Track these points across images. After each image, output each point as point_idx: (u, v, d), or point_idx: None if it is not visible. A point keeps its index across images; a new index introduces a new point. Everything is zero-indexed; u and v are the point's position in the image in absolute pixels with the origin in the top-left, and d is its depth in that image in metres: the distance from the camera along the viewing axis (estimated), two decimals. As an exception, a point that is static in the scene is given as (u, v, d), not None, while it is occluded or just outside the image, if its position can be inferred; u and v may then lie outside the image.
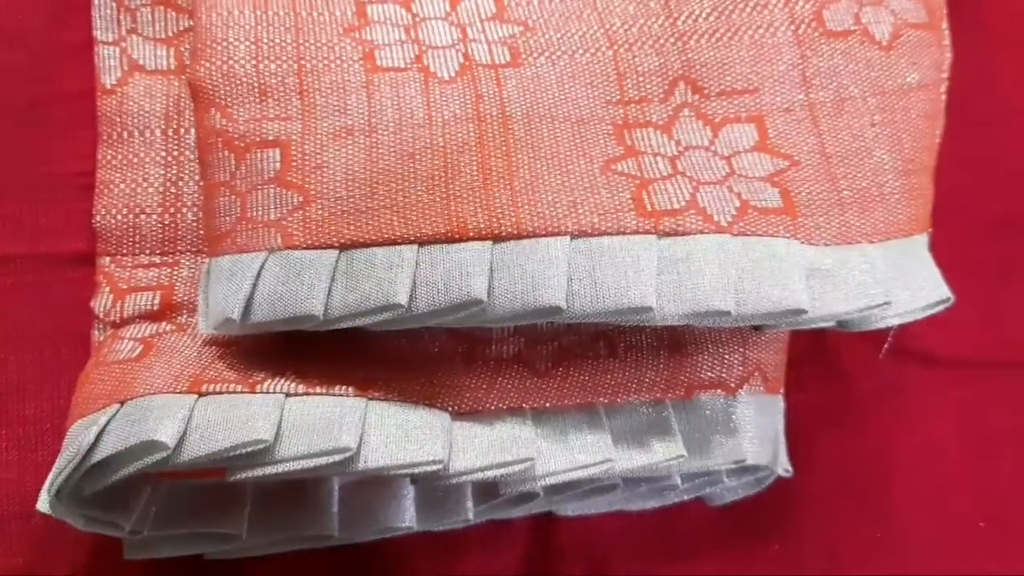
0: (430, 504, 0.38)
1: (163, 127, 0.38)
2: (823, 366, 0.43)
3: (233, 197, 0.34)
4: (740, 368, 0.38)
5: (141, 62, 0.39)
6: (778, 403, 0.39)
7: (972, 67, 0.41)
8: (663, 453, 0.36)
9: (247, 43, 0.35)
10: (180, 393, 0.33)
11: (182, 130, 0.38)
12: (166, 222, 0.38)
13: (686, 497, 0.40)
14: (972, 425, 0.44)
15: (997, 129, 0.45)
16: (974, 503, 0.44)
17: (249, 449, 0.32)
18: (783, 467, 0.39)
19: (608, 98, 0.36)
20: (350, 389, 0.34)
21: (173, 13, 0.39)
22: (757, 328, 0.36)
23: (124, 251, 0.38)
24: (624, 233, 0.33)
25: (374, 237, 0.33)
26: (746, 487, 0.40)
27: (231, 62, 0.35)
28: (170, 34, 0.39)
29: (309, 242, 0.33)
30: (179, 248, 0.38)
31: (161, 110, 0.38)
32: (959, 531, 0.43)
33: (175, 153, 0.38)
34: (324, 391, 0.34)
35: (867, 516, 0.43)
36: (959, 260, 0.38)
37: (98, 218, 0.38)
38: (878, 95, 0.37)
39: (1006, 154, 0.45)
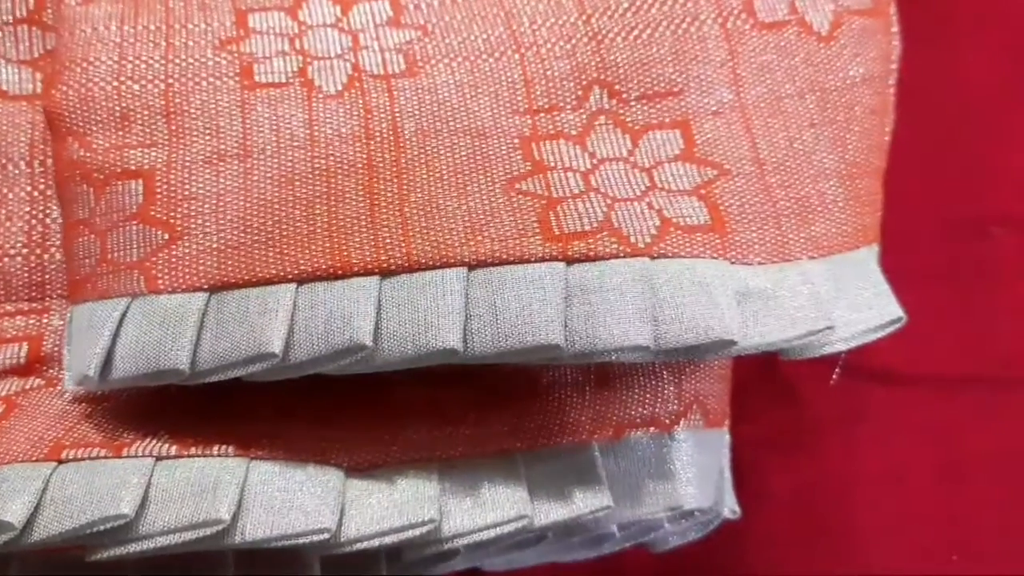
0: (339, 565, 0.34)
1: (28, 158, 0.34)
2: (773, 392, 0.40)
3: (93, 237, 0.30)
4: (676, 402, 0.34)
5: (4, 87, 0.35)
6: (722, 438, 0.36)
7: (929, 56, 0.37)
8: (587, 504, 0.32)
9: (110, 62, 0.32)
10: (37, 461, 0.30)
11: (49, 161, 0.34)
12: (32, 264, 0.34)
13: (626, 545, 0.36)
14: (941, 449, 0.41)
15: (955, 123, 0.42)
16: (945, 535, 0.40)
17: (109, 525, 0.28)
18: (729, 509, 0.35)
19: (514, 108, 0.32)
20: (230, 448, 0.30)
21: (39, 31, 0.35)
22: (692, 356, 0.32)
23: (-13, 299, 0.34)
24: (528, 261, 0.29)
25: (247, 277, 0.29)
26: (691, 531, 0.36)
27: (90, 84, 0.31)
28: (36, 55, 0.35)
29: (175, 285, 0.29)
30: (48, 292, 0.34)
31: (26, 140, 0.35)
32: (930, 566, 0.40)
33: (42, 187, 0.34)
34: (200, 452, 0.30)
35: (828, 554, 0.40)
36: (918, 267, 0.35)
37: (-44, 263, 0.34)
38: (817, 92, 0.33)
39: (965, 150, 0.42)
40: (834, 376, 0.36)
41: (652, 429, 0.34)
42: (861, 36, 0.34)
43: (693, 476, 0.34)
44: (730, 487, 0.36)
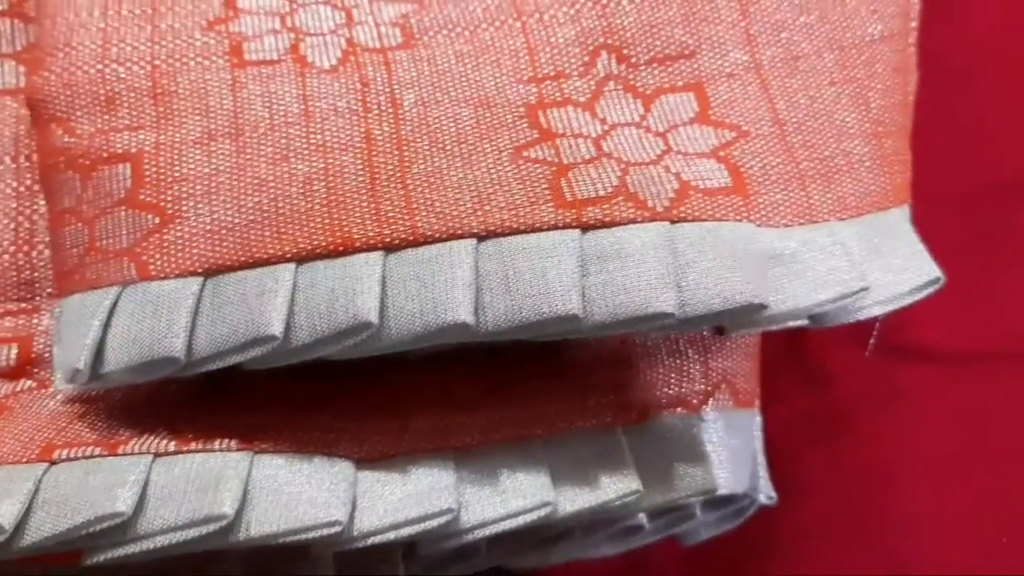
0: (351, 564, 0.32)
1: (13, 153, 0.33)
2: (803, 371, 0.38)
3: (80, 225, 0.29)
4: (702, 381, 0.32)
5: (-13, 81, 0.34)
6: (753, 419, 0.34)
7: (952, 15, 0.35)
8: (614, 490, 0.30)
9: (93, 46, 0.31)
10: (28, 463, 0.28)
11: (35, 156, 0.33)
12: (20, 262, 0.32)
13: (656, 538, 0.34)
14: (981, 428, 0.38)
15: (981, 83, 0.40)
16: (993, 517, 0.38)
17: (106, 524, 0.27)
18: (766, 494, 0.33)
19: (518, 76, 0.31)
20: (233, 442, 0.29)
21: (22, 24, 0.34)
22: (719, 331, 0.30)
23: (-26, 300, 0.32)
24: (541, 229, 0.28)
25: (243, 258, 0.28)
26: (724, 520, 0.34)
27: (73, 68, 0.30)
28: (19, 48, 0.34)
29: (168, 270, 0.28)
30: (37, 291, 0.32)
31: (11, 134, 0.33)
32: (978, 551, 0.37)
33: (28, 182, 0.33)
34: (200, 447, 0.28)
35: (868, 543, 0.37)
36: (950, 236, 0.33)
37: (-59, 264, 0.32)
38: (835, 50, 0.32)
39: (995, 110, 0.40)
40: (869, 347, 0.34)
41: (679, 410, 0.32)
42: (878, -8, 0.33)
43: (726, 459, 0.32)
44: (765, 472, 0.34)
